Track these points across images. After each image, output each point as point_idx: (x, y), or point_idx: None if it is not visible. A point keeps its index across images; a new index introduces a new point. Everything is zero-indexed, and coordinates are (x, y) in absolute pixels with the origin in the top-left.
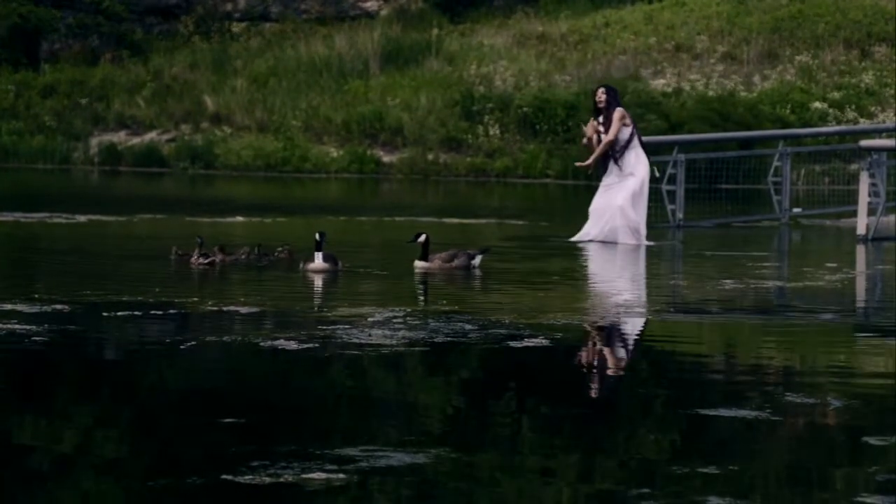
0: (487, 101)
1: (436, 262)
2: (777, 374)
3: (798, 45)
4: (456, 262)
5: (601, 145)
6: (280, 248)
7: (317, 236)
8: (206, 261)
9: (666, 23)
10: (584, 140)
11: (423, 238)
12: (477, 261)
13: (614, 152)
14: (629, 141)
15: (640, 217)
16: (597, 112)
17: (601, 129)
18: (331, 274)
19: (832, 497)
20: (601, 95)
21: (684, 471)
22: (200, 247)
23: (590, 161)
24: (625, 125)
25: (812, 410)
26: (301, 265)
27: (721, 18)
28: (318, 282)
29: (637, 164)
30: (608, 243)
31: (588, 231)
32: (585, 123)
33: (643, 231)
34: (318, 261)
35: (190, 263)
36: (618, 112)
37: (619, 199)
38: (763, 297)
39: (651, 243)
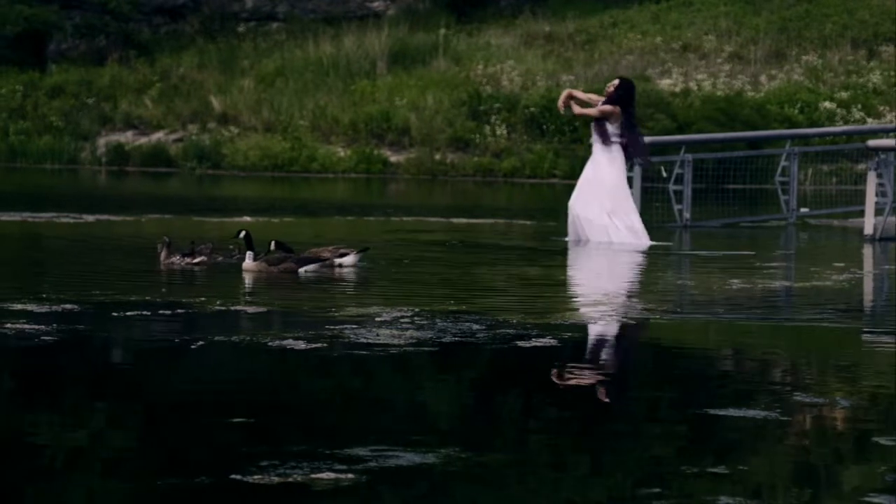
0: (494, 101)
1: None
2: (785, 373)
3: (805, 45)
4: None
5: (584, 109)
6: (231, 246)
7: (241, 235)
8: (196, 260)
9: (673, 22)
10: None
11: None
12: (349, 259)
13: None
14: (608, 136)
15: (623, 216)
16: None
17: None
18: (265, 274)
19: (841, 497)
20: (609, 88)
21: (693, 471)
22: (168, 247)
23: (562, 102)
24: (609, 121)
25: (821, 410)
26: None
27: (728, 18)
28: (249, 281)
29: (611, 163)
30: (601, 243)
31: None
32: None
33: (639, 228)
34: (248, 261)
35: (171, 264)
36: (611, 107)
37: (594, 201)
38: (770, 296)
39: (653, 243)
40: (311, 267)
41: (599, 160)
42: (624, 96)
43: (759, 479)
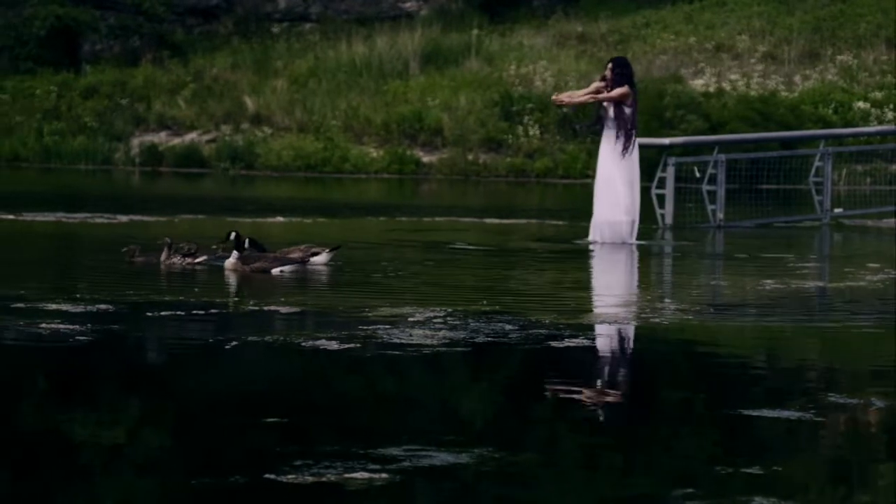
0: (527, 102)
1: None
2: (819, 374)
3: (839, 45)
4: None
5: (588, 94)
6: (214, 246)
7: (231, 236)
8: (197, 260)
9: (706, 23)
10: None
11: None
12: (321, 258)
13: (601, 120)
14: (629, 125)
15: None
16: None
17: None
18: (240, 273)
19: (875, 498)
20: (607, 71)
21: (728, 471)
22: (169, 248)
23: (562, 97)
24: (625, 105)
25: (855, 411)
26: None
27: (762, 18)
28: (231, 279)
29: (631, 155)
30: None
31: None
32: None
33: (626, 228)
34: (231, 259)
35: (172, 264)
36: (623, 88)
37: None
38: (804, 297)
39: (640, 242)
40: (286, 268)
41: (609, 154)
42: (627, 73)
43: (793, 480)
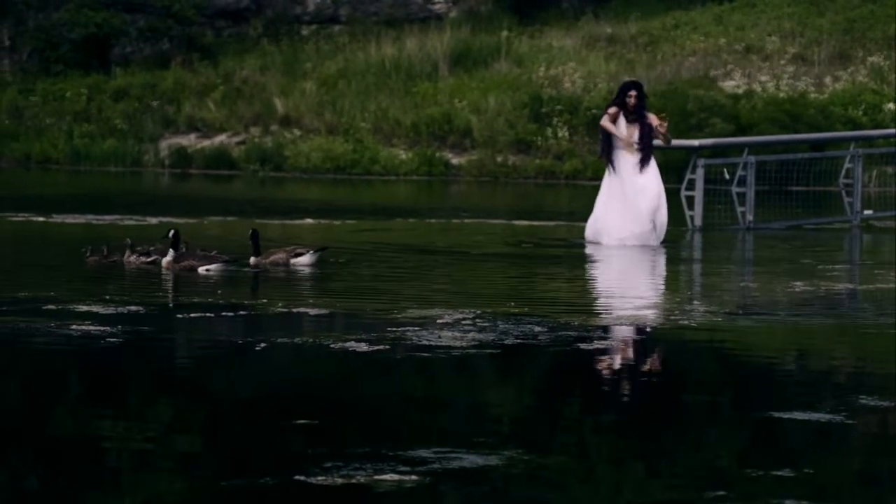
0: (556, 104)
1: (169, 262)
2: (850, 376)
3: (870, 46)
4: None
5: (664, 140)
6: (157, 245)
7: (170, 234)
8: (149, 259)
9: (736, 24)
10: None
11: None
12: (305, 259)
13: (608, 141)
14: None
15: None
16: (622, 108)
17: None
18: (171, 271)
19: None
20: (633, 100)
21: (758, 474)
22: (131, 248)
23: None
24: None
25: (886, 413)
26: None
27: (792, 19)
28: (169, 277)
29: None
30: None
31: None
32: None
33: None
34: (168, 258)
35: (129, 263)
36: (655, 118)
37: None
38: (834, 299)
39: (668, 243)
40: (213, 266)
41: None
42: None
43: (824, 483)
